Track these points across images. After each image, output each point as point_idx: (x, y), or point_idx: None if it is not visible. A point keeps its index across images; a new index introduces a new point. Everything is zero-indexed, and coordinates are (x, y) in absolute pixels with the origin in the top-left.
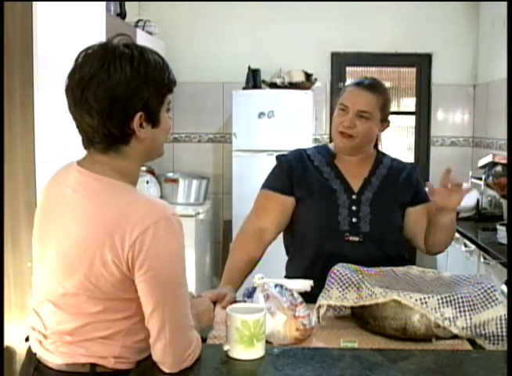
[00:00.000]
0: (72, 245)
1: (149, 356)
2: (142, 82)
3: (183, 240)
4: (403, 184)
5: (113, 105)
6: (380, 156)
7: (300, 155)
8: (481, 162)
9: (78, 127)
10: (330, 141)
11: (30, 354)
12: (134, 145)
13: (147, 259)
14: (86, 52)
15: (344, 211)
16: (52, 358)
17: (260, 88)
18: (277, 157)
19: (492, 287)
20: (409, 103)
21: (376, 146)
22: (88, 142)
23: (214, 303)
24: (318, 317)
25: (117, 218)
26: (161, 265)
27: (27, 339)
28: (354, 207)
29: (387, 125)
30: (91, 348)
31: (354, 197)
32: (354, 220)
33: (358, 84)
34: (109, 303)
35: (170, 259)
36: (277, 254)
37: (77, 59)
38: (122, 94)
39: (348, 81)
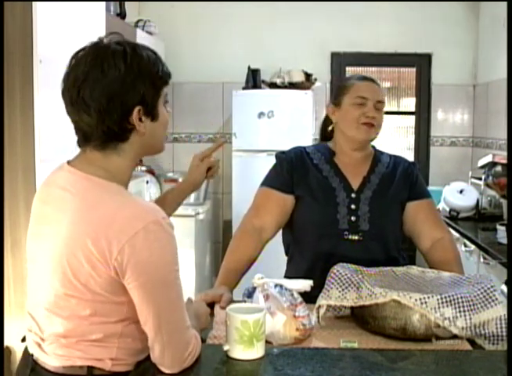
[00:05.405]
0: (62, 244)
1: (148, 357)
2: (136, 77)
3: (175, 243)
4: (400, 180)
5: (110, 102)
6: (378, 154)
7: (300, 153)
8: (481, 162)
9: (76, 127)
10: (325, 140)
11: (26, 355)
12: (132, 141)
13: (138, 264)
14: (78, 54)
15: (343, 210)
16: (50, 360)
17: (260, 88)
18: (276, 155)
19: (492, 287)
20: (409, 103)
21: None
22: (84, 141)
23: (211, 306)
24: (318, 317)
25: (105, 219)
26: (153, 269)
27: (23, 340)
28: (353, 206)
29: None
30: (87, 350)
31: (353, 195)
32: (353, 219)
33: (366, 79)
34: (100, 306)
35: (162, 263)
36: (277, 254)
37: (70, 62)
38: (118, 90)
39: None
